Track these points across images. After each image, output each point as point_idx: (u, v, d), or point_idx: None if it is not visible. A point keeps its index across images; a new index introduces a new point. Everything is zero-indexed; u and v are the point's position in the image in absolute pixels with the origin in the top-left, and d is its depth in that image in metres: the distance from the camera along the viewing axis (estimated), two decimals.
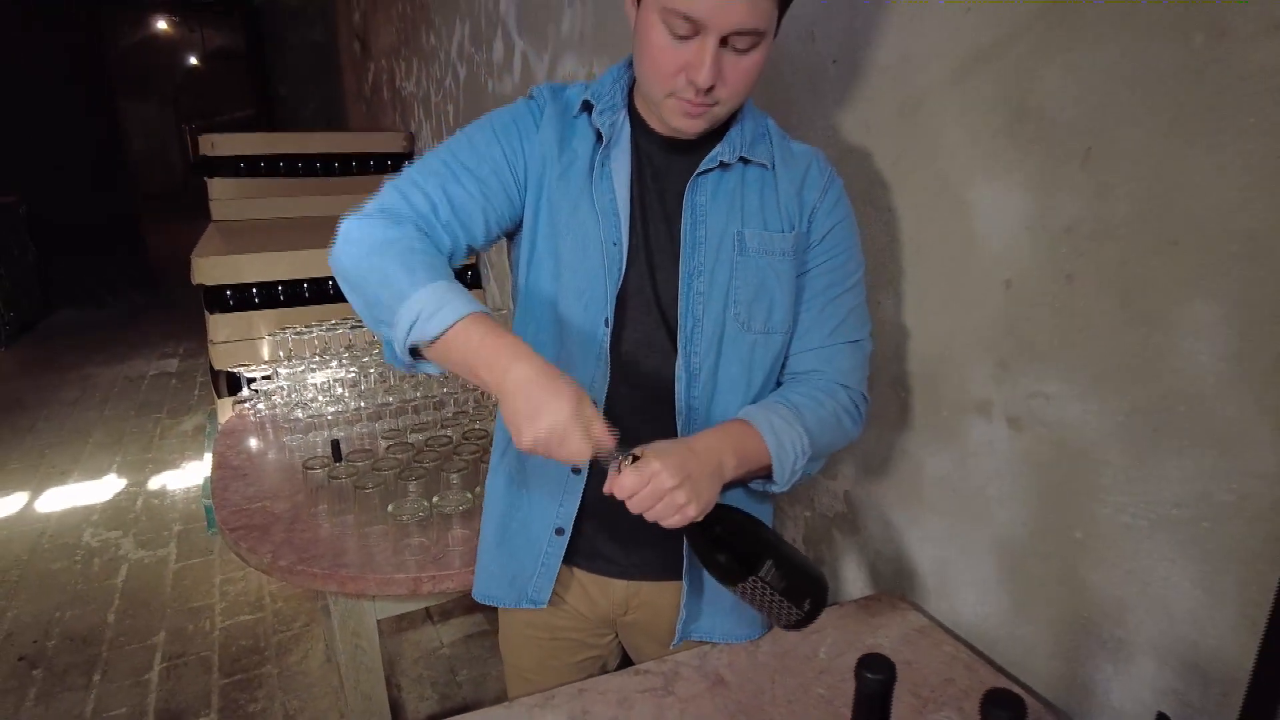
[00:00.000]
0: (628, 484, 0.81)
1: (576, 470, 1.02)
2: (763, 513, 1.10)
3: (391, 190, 0.92)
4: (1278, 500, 0.74)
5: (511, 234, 1.02)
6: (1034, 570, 1.01)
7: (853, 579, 1.33)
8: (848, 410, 0.99)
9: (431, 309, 0.81)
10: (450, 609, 2.61)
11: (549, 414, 0.77)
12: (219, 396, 2.94)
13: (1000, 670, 1.04)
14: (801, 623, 0.90)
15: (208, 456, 3.63)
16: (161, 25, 10.03)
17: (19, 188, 6.18)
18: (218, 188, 3.87)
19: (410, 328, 0.81)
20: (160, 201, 12.81)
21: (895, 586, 1.24)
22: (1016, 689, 1.00)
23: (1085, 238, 0.88)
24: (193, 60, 13.56)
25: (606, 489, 0.84)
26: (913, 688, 0.99)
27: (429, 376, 1.90)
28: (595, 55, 1.95)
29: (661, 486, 0.81)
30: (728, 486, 0.92)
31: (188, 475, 3.64)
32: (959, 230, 1.03)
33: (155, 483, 3.58)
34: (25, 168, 6.29)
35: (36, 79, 6.15)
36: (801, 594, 0.88)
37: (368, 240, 0.87)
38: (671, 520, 0.83)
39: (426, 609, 2.61)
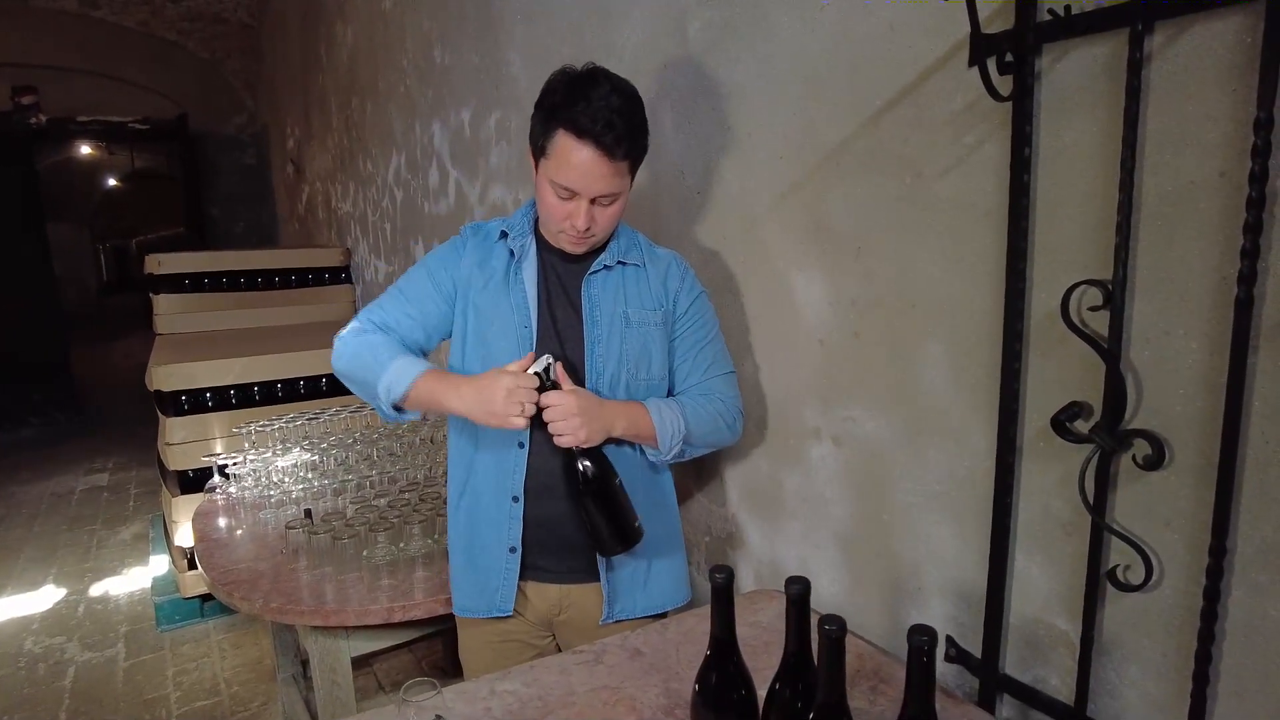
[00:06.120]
0: (552, 398, 1.21)
1: (516, 499, 1.36)
2: (659, 481, 1.46)
3: (363, 314, 1.37)
4: (989, 469, 1.13)
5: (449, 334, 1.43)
6: (862, 551, 1.38)
7: (746, 583, 1.66)
8: (724, 415, 1.38)
9: (394, 377, 1.25)
10: (402, 681, 2.78)
11: (489, 404, 1.18)
12: (173, 495, 3.11)
13: (850, 632, 1.38)
14: (605, 547, 1.30)
15: (153, 559, 3.72)
16: (85, 150, 10.19)
17: None
18: (163, 303, 4.08)
19: (387, 393, 1.25)
20: (75, 322, 12.61)
21: (774, 584, 1.58)
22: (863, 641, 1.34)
23: (863, 307, 1.30)
24: (112, 181, 13.65)
25: (543, 398, 1.21)
26: (780, 649, 1.33)
27: (386, 456, 2.20)
28: (521, 185, 2.38)
29: (570, 412, 1.20)
30: (619, 443, 1.33)
31: (131, 580, 3.70)
32: (788, 307, 1.44)
33: (97, 589, 3.63)
34: None
35: None
36: (622, 527, 1.27)
37: (350, 348, 1.33)
38: (564, 439, 1.22)
39: (380, 684, 2.78)
